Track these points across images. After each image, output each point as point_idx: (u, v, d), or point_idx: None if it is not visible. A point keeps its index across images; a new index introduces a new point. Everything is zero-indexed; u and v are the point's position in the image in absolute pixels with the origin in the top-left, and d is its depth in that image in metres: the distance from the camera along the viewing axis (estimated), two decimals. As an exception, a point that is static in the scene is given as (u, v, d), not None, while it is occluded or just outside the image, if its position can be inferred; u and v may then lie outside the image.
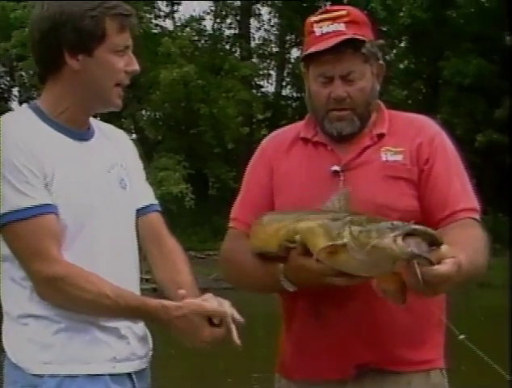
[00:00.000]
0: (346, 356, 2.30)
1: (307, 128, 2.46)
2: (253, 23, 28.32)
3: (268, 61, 28.75)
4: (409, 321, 2.31)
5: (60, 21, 2.09)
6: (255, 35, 28.49)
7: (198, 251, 20.66)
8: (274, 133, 2.56)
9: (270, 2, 28.14)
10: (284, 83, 28.33)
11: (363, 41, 2.33)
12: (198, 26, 26.81)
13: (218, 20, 27.73)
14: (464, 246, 2.15)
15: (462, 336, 2.24)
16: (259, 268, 2.32)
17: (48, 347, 2.09)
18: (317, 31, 2.35)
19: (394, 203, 2.28)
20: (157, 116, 26.09)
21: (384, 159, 2.35)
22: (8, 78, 29.75)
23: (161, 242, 2.30)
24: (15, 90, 29.52)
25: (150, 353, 2.27)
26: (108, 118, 2.27)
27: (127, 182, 2.24)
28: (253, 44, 28.05)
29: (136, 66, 2.18)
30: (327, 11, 2.40)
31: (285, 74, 28.28)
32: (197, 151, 24.35)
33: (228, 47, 27.30)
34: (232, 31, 27.79)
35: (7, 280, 2.14)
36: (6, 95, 29.79)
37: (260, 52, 28.37)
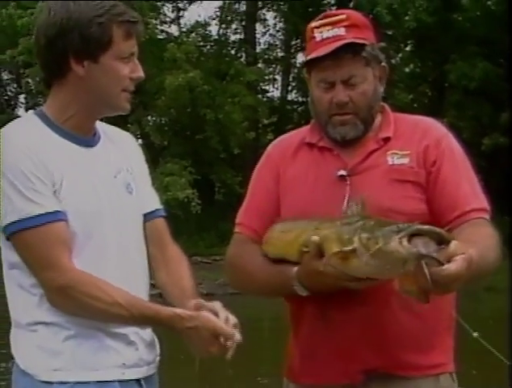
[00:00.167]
0: (353, 360, 2.30)
1: (312, 134, 2.45)
2: (259, 28, 28.33)
3: (274, 66, 28.75)
4: (418, 325, 2.31)
5: (67, 27, 2.10)
6: (261, 41, 28.51)
7: (204, 256, 20.64)
8: (279, 139, 2.56)
9: (275, 7, 28.15)
10: (290, 88, 28.32)
11: (364, 45, 2.33)
12: (203, 31, 26.82)
13: (223, 26, 27.74)
14: (476, 242, 2.15)
15: (475, 334, 2.24)
16: (269, 273, 2.32)
17: (58, 353, 2.09)
18: (317, 36, 2.35)
19: (401, 206, 2.28)
20: (163, 122, 26.09)
21: (390, 163, 2.35)
22: (15, 85, 29.80)
23: (165, 247, 2.30)
24: (22, 97, 29.59)
25: (158, 359, 2.27)
26: (114, 123, 2.27)
27: (133, 186, 2.24)
28: (258, 50, 28.05)
29: (140, 73, 2.18)
30: (327, 16, 2.40)
31: (291, 79, 28.27)
32: (203, 156, 24.34)
33: (233, 52, 27.30)
34: (238, 37, 27.80)
35: (15, 288, 2.14)
36: (12, 102, 29.85)
37: (265, 57, 28.37)
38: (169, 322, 2.08)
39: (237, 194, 22.15)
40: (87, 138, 2.20)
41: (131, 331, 2.16)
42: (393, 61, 23.01)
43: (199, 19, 27.49)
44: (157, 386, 2.27)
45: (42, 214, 2.06)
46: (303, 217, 2.30)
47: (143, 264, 2.25)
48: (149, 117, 25.63)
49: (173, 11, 28.20)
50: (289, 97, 28.33)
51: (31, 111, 2.26)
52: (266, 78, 27.59)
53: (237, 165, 24.81)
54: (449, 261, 1.96)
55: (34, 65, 18.46)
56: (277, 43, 29.06)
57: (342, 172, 2.35)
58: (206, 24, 27.15)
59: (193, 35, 26.55)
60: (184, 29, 27.41)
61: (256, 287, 2.42)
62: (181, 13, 28.20)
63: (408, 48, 25.32)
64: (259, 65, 27.25)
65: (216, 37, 27.23)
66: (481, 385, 7.37)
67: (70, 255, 2.08)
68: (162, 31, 26.72)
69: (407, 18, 21.98)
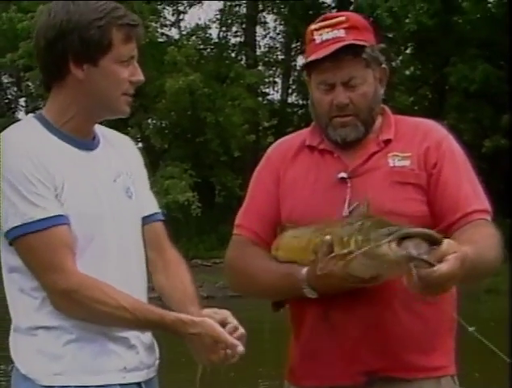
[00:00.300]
0: (355, 362, 2.29)
1: (312, 136, 2.45)
2: (259, 30, 28.35)
3: (274, 68, 28.76)
4: (420, 327, 2.31)
5: (66, 29, 2.09)
6: (261, 43, 28.52)
7: (204, 259, 20.64)
8: (279, 141, 2.56)
9: (275, 10, 28.17)
10: (290, 91, 28.32)
11: (363, 46, 2.33)
12: (203, 34, 26.82)
13: (224, 28, 27.76)
14: (476, 241, 2.17)
15: (471, 329, 2.24)
16: (274, 275, 2.32)
17: (59, 358, 2.09)
18: (317, 38, 2.35)
19: (402, 208, 2.28)
20: (163, 125, 26.09)
21: (391, 165, 2.35)
22: (15, 89, 29.82)
23: (163, 250, 2.30)
24: (22, 101, 29.61)
25: (157, 362, 2.26)
26: (114, 127, 2.27)
27: (132, 190, 2.24)
28: (258, 52, 28.06)
29: (140, 76, 2.17)
30: (326, 18, 2.40)
31: (291, 82, 28.27)
32: (203, 159, 24.35)
33: (233, 55, 27.31)
34: (238, 40, 27.81)
35: (15, 291, 2.13)
36: (13, 106, 29.86)
37: (266, 59, 28.38)
38: (173, 327, 2.08)
39: (237, 197, 22.14)
40: (86, 141, 2.20)
41: (132, 335, 2.15)
42: (394, 64, 23.01)
43: (200, 22, 27.52)
44: (157, 389, 2.26)
45: (45, 218, 2.06)
46: (314, 222, 2.29)
47: (141, 267, 2.24)
48: (150, 120, 25.64)
49: (173, 14, 28.22)
50: (289, 100, 28.34)
51: (30, 115, 2.26)
52: (267, 80, 27.60)
53: (237, 168, 24.81)
54: (441, 261, 1.96)
55: (34, 68, 18.48)
56: (277, 45, 29.09)
57: (343, 174, 2.34)
58: (206, 27, 27.17)
59: (193, 38, 26.56)
60: (184, 32, 27.43)
61: (258, 289, 2.41)
62: (181, 16, 28.22)
63: (408, 51, 25.32)
64: (259, 67, 27.27)
65: (217, 40, 27.25)
66: (483, 387, 7.37)
67: (74, 258, 2.08)
68: (162, 34, 26.74)
69: (407, 20, 21.97)
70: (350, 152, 2.38)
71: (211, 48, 26.90)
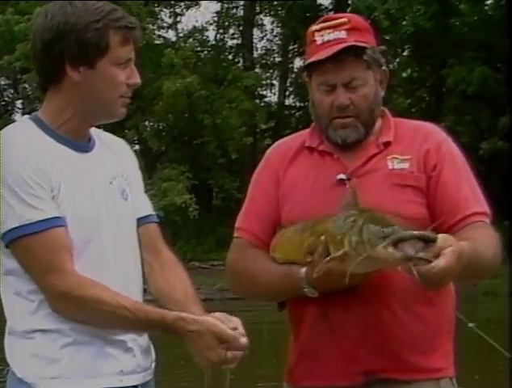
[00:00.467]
0: (353, 362, 2.29)
1: (312, 138, 2.45)
2: (256, 33, 28.39)
3: (271, 70, 28.80)
4: (419, 327, 2.31)
5: (63, 31, 2.08)
6: (258, 46, 28.57)
7: (202, 262, 20.66)
8: (279, 142, 2.55)
9: (272, 12, 28.19)
10: (287, 93, 28.36)
11: (365, 48, 2.33)
12: (201, 37, 26.86)
13: (221, 31, 27.79)
14: (473, 239, 2.18)
15: (471, 324, 2.25)
16: (274, 276, 2.32)
17: (55, 361, 2.07)
18: (318, 39, 2.35)
19: (401, 211, 2.27)
20: (161, 127, 26.12)
21: (390, 167, 2.35)
22: (12, 91, 29.82)
23: (159, 252, 2.29)
24: (19, 103, 29.61)
25: (154, 364, 2.25)
26: (111, 129, 2.26)
27: (128, 192, 2.23)
28: (256, 54, 28.10)
29: (137, 79, 2.16)
30: (328, 20, 2.39)
31: (288, 84, 28.31)
32: (201, 162, 24.37)
33: (231, 57, 27.34)
34: (235, 42, 27.85)
35: (11, 295, 2.12)
36: (9, 108, 29.87)
37: (263, 62, 28.42)
38: (174, 326, 2.06)
39: (234, 199, 22.16)
40: (82, 143, 2.19)
41: (129, 338, 2.14)
42: (391, 66, 23.02)
43: (197, 25, 27.57)
44: (154, 392, 2.26)
45: (44, 220, 2.04)
46: (302, 220, 2.31)
47: (138, 269, 2.24)
48: (147, 123, 25.66)
49: (170, 17, 28.26)
50: (287, 102, 28.38)
51: (25, 116, 2.24)
52: (264, 83, 27.64)
53: (234, 170, 24.84)
54: (438, 256, 1.98)
55: (31, 70, 18.47)
56: (274, 48, 29.14)
57: (342, 176, 2.34)
58: (203, 29, 27.21)
59: (190, 40, 26.60)
60: (181, 34, 27.47)
61: (259, 290, 2.41)
62: (178, 18, 28.26)
63: (405, 53, 25.36)
64: (257, 70, 27.31)
65: (214, 42, 27.28)
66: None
67: (72, 259, 2.07)
68: (160, 36, 26.77)
69: (404, 23, 22.02)
70: (350, 154, 2.38)
71: (209, 51, 26.93)
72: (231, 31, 28.09)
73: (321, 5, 26.71)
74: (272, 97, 28.51)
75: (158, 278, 2.25)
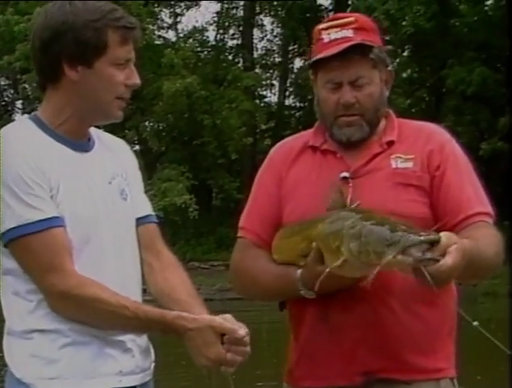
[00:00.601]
0: (353, 362, 2.29)
1: (315, 137, 2.45)
2: (256, 33, 28.41)
3: (271, 71, 28.82)
4: (420, 327, 2.31)
5: (61, 30, 2.08)
6: (258, 46, 28.59)
7: (202, 262, 20.68)
8: (281, 142, 2.55)
9: (272, 13, 28.21)
10: (287, 93, 28.37)
11: (371, 47, 2.34)
12: (201, 37, 26.88)
13: (221, 31, 27.81)
14: (475, 238, 2.19)
15: (475, 323, 2.26)
16: (273, 277, 2.33)
17: (54, 361, 2.07)
18: (325, 37, 2.35)
19: (404, 210, 2.27)
20: (161, 127, 26.13)
21: (393, 166, 2.35)
22: (12, 91, 29.83)
23: (159, 252, 2.28)
24: (19, 103, 29.62)
25: (153, 365, 2.25)
26: (111, 129, 2.26)
27: (127, 192, 2.22)
28: (256, 55, 28.12)
29: (136, 80, 2.15)
30: (335, 18, 2.41)
31: (288, 84, 28.32)
32: (200, 162, 24.38)
33: (231, 57, 27.35)
34: (235, 42, 27.88)
35: (9, 295, 2.11)
36: (9, 108, 29.87)
37: (263, 62, 28.44)
38: (173, 325, 2.06)
39: (234, 199, 22.19)
40: (82, 143, 2.18)
41: (127, 338, 2.14)
42: (391, 66, 23.03)
43: (197, 25, 27.59)
44: (153, 393, 2.25)
45: (43, 219, 2.04)
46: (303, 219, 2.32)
47: (137, 269, 2.23)
48: (147, 123, 25.67)
49: (170, 17, 28.27)
50: (287, 102, 28.39)
51: (25, 116, 2.24)
52: (264, 83, 27.66)
53: (234, 170, 24.86)
54: (444, 254, 2.00)
55: (31, 70, 18.48)
56: (274, 48, 29.15)
57: (345, 174, 2.34)
58: (203, 30, 27.22)
59: (190, 40, 26.62)
60: (181, 34, 27.48)
61: (259, 291, 2.42)
62: (178, 18, 28.27)
63: (405, 54, 25.36)
64: (257, 70, 27.33)
65: (214, 43, 27.29)
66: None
67: (72, 259, 2.06)
68: (160, 36, 26.78)
69: (404, 23, 22.02)
70: (353, 152, 2.38)
71: (209, 51, 26.95)
72: (231, 31, 28.13)
73: (320, 5, 26.74)
74: (272, 97, 28.55)
75: (158, 278, 2.25)
